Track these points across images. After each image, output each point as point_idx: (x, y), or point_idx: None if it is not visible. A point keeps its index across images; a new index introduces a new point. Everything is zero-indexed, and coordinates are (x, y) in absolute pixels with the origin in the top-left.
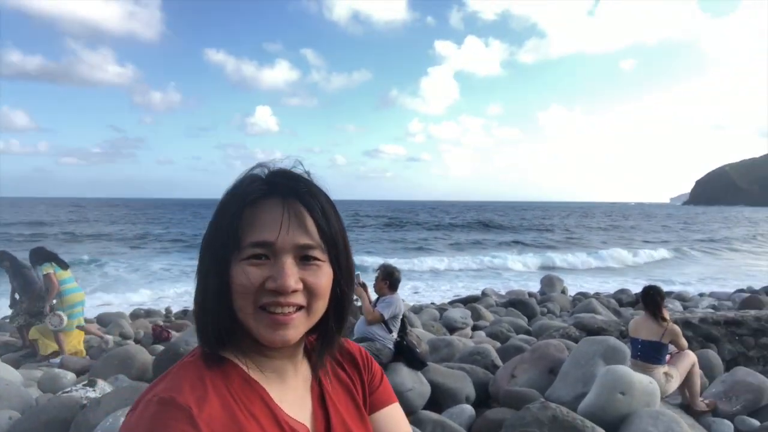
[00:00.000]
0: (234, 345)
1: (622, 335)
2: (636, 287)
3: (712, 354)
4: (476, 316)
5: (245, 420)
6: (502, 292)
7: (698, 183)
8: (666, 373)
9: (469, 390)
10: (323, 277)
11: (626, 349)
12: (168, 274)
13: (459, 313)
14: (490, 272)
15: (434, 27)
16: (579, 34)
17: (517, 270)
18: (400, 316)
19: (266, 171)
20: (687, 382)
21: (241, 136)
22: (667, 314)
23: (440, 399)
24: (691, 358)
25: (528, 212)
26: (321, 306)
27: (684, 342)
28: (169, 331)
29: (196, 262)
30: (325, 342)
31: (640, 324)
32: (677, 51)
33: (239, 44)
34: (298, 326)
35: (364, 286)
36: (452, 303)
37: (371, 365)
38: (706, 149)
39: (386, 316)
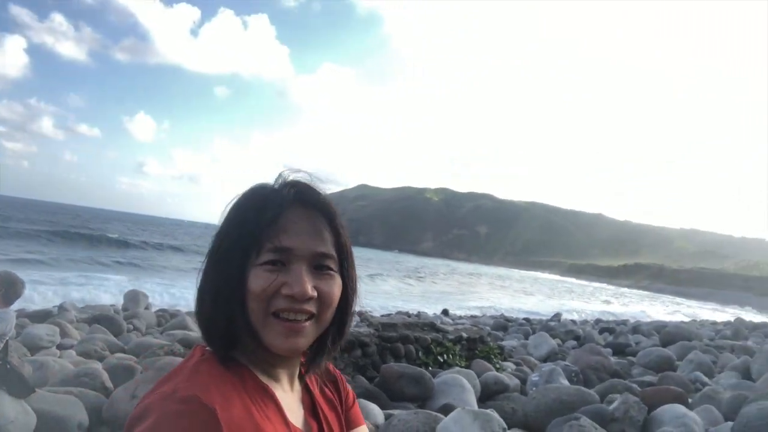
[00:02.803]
0: (241, 349)
1: None
2: None
3: None
4: (62, 333)
5: (262, 422)
6: (79, 306)
7: None
8: None
9: (82, 416)
10: (335, 286)
11: None
12: None
13: (45, 330)
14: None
15: None
16: (180, 49)
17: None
18: (7, 337)
19: (284, 180)
20: None
21: None
22: None
23: (46, 429)
24: None
25: (111, 224)
26: (329, 315)
27: None
28: None
29: None
30: (322, 349)
31: None
32: (267, 91)
33: None
34: (308, 335)
35: None
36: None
37: (344, 384)
38: None
39: None
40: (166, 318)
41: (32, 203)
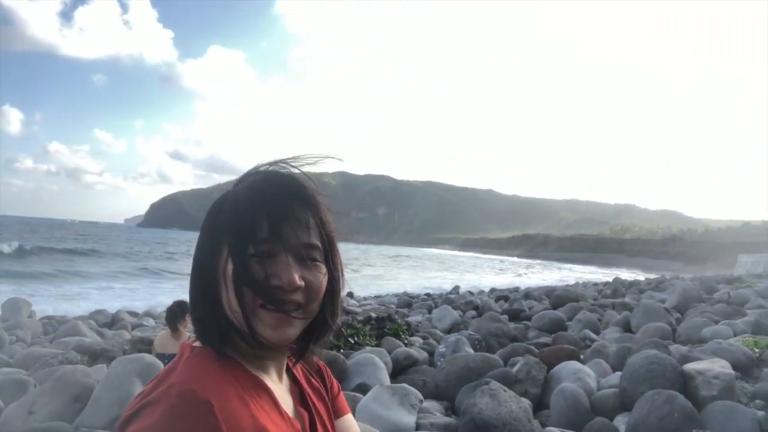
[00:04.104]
0: (230, 344)
1: (125, 352)
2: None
3: None
4: None
5: (258, 414)
6: None
7: (153, 206)
8: None
9: None
10: (321, 276)
11: (161, 364)
12: None
13: None
14: None
15: None
16: (51, 34)
17: None
18: None
19: (271, 170)
20: None
21: None
22: (184, 327)
23: None
24: None
25: None
26: (316, 305)
27: None
28: None
29: None
30: (317, 335)
31: (165, 339)
32: (151, 77)
33: None
34: (296, 324)
35: None
36: None
37: (329, 375)
38: (166, 176)
39: None
40: (54, 325)
41: None
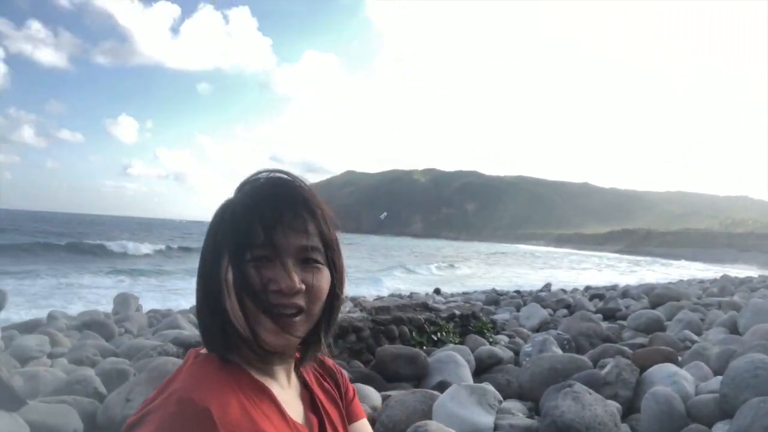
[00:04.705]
0: (235, 350)
1: None
2: None
3: None
4: (52, 342)
5: (259, 419)
6: (70, 314)
7: None
8: None
9: (77, 424)
10: (323, 279)
11: None
12: None
13: (34, 341)
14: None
15: None
16: (161, 47)
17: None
18: None
19: (270, 175)
20: None
21: None
22: None
23: None
24: None
25: (95, 227)
26: (319, 308)
27: None
28: None
29: None
30: (313, 341)
31: None
32: (250, 84)
33: None
34: (299, 329)
35: None
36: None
37: (345, 379)
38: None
39: None
40: (158, 318)
41: (19, 213)
